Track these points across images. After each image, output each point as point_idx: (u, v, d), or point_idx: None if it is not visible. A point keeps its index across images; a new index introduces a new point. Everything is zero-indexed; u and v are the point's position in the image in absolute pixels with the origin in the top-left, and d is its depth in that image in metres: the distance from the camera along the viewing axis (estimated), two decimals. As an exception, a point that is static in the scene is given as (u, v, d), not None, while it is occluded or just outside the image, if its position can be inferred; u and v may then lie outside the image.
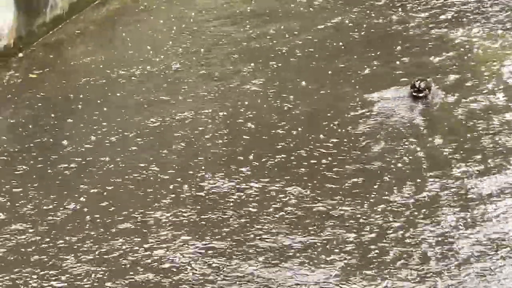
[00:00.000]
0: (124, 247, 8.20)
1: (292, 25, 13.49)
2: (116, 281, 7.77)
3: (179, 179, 9.33)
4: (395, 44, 12.67)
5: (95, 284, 7.74)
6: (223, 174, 9.40)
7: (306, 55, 12.49)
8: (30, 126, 10.53)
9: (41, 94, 11.37)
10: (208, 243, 8.24)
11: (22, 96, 11.28)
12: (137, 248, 8.20)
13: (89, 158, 9.79)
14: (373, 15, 13.71)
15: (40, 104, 11.07)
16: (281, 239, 8.29)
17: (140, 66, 12.14)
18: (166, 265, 7.97)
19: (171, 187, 9.20)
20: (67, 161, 9.71)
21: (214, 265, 7.96)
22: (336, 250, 8.12)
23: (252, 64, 12.15)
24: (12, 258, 8.07)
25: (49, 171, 9.53)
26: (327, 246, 8.20)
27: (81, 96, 11.28)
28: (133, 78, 11.82)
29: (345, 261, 7.97)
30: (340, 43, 12.75)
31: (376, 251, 8.10)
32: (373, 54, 12.40)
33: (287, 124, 10.49)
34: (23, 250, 8.21)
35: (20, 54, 12.38)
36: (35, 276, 7.83)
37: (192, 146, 10.03)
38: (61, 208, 8.82)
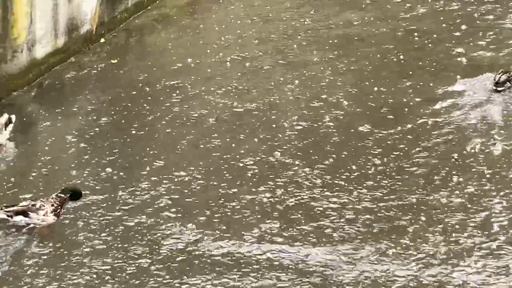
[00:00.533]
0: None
1: (370, 14, 13.48)
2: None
3: (255, 167, 9.46)
4: (483, 36, 12.58)
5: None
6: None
7: (385, 44, 12.44)
8: (110, 109, 10.73)
9: (122, 78, 11.56)
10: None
11: (103, 81, 11.48)
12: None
13: (166, 141, 9.95)
14: (459, 5, 13.66)
15: (120, 89, 11.25)
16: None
17: (219, 52, 12.24)
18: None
19: (249, 173, 9.30)
20: (142, 143, 9.89)
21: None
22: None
23: (329, 52, 12.19)
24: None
25: (121, 152, 9.71)
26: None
27: (159, 81, 11.44)
28: (211, 64, 11.93)
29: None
30: (422, 34, 12.73)
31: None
32: (457, 44, 12.36)
33: (365, 113, 10.56)
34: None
35: (102, 40, 12.58)
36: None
37: (271, 134, 10.12)
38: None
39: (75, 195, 8.47)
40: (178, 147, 9.84)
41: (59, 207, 8.28)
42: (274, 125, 10.28)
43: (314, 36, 12.81)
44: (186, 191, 8.98)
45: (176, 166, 9.40)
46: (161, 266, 7.83)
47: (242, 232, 8.26)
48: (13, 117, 9.87)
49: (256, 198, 8.84)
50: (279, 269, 7.77)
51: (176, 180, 9.16)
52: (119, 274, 7.73)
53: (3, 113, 9.90)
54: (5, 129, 9.74)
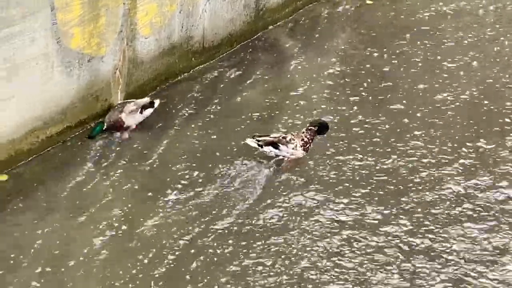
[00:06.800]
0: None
1: None
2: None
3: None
4: None
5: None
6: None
7: None
8: (362, 49, 10.78)
9: (375, 20, 11.55)
10: None
11: (357, 21, 11.52)
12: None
13: (401, 81, 9.94)
14: None
15: (373, 30, 11.25)
16: None
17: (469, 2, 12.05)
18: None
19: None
20: (387, 86, 9.94)
21: None
22: None
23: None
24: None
25: (365, 93, 9.77)
26: None
27: (414, 25, 11.37)
28: (467, 12, 11.69)
29: None
30: None
31: None
32: None
33: None
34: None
35: (359, -21, 12.60)
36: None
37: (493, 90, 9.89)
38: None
39: (322, 128, 8.53)
40: (406, 86, 9.78)
41: (309, 141, 8.43)
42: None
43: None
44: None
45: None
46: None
47: None
48: (157, 102, 9.12)
49: None
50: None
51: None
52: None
53: (147, 97, 9.29)
54: (141, 113, 8.96)
